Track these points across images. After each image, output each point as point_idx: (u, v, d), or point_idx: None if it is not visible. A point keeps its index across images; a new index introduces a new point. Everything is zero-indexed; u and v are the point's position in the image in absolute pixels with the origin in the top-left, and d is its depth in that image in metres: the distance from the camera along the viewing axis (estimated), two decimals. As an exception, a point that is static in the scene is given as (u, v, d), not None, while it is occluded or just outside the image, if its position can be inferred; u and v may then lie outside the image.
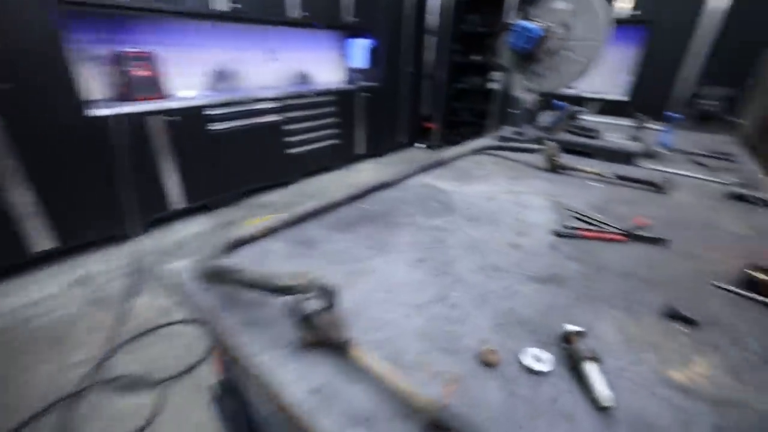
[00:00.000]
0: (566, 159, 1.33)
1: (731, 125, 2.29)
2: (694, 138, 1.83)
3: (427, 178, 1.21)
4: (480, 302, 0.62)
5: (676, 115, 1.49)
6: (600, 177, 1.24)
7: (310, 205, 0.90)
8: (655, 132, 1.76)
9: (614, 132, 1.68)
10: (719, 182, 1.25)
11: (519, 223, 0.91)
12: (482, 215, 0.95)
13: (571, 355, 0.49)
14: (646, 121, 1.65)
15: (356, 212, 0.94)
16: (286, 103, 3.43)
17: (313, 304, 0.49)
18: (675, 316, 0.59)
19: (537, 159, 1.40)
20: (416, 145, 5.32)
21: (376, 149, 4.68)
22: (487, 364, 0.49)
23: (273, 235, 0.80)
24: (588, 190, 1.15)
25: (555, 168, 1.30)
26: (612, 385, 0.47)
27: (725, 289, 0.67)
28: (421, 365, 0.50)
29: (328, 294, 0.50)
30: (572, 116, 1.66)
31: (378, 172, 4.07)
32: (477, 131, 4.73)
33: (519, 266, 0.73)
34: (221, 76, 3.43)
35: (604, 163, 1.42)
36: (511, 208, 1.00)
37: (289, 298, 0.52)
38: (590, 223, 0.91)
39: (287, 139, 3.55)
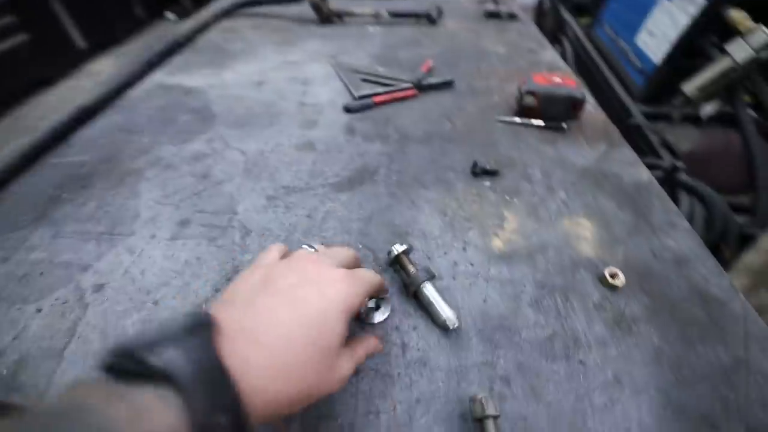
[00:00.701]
0: (334, 1, 1.08)
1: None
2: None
3: (163, 75, 0.80)
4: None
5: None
6: (375, 19, 1.07)
7: None
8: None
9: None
10: (477, 0, 1.26)
11: (303, 109, 0.70)
12: (255, 114, 0.69)
13: (407, 285, 0.40)
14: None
15: (54, 176, 0.55)
16: None
17: None
18: (480, 172, 0.56)
19: (304, 9, 1.10)
20: (167, 16, 3.88)
21: (106, 35, 3.21)
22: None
23: None
24: (368, 39, 0.98)
25: (327, 18, 1.05)
26: (452, 296, 0.41)
27: (508, 122, 0.68)
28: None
29: None
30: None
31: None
32: (233, -19, 3.74)
33: (319, 175, 0.56)
34: None
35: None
36: (289, 89, 0.76)
37: None
38: (379, 83, 0.78)
39: None
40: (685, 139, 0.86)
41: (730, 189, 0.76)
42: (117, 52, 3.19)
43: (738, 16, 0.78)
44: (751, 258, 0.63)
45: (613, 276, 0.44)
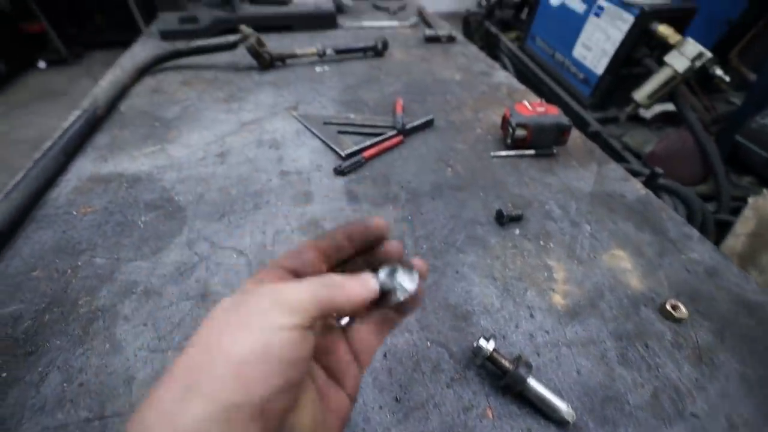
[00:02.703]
0: (270, 43, 0.99)
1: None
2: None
3: (91, 163, 0.65)
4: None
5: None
6: (320, 58, 1.01)
7: None
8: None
9: (295, -12, 1.39)
10: (409, 26, 1.26)
11: (288, 179, 0.62)
12: (233, 197, 0.59)
13: (508, 386, 0.35)
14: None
15: (-31, 353, 0.39)
16: None
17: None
18: (506, 221, 0.54)
19: (239, 56, 0.99)
20: (39, 65, 3.27)
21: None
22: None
23: None
24: (322, 82, 0.92)
25: (269, 63, 0.96)
26: (547, 377, 0.38)
27: (503, 156, 0.67)
28: None
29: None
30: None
31: (5, 153, 2.40)
32: (116, 19, 3.32)
33: (343, 262, 0.49)
34: None
35: (314, 36, 1.18)
36: (261, 157, 0.67)
37: None
38: (358, 132, 0.72)
39: None
40: (642, 140, 0.95)
41: (691, 181, 0.86)
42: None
43: (665, 30, 0.89)
44: (732, 242, 0.71)
45: (675, 308, 0.44)
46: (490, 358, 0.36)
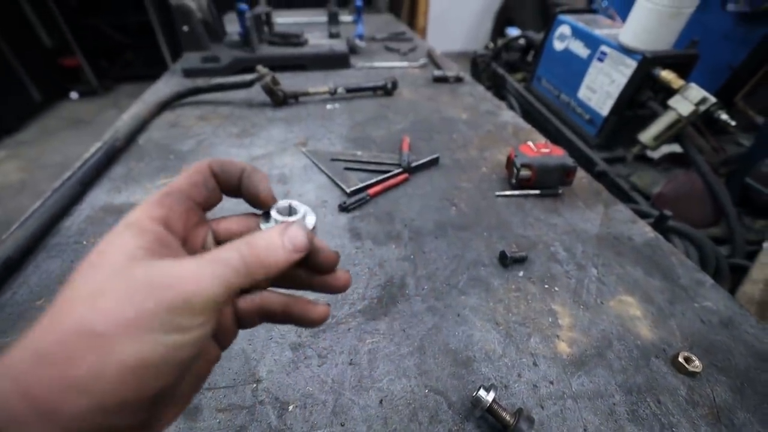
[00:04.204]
0: (284, 81, 1.05)
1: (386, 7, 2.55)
2: (369, 21, 1.90)
3: (106, 194, 0.67)
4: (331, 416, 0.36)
5: (359, 2, 1.41)
6: (332, 96, 1.05)
7: None
8: (348, 24, 1.69)
9: (313, 31, 1.48)
10: (418, 67, 1.32)
11: (295, 214, 0.63)
12: (240, 229, 0.59)
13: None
14: (339, 13, 1.51)
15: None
16: None
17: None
18: (510, 262, 0.53)
19: (254, 93, 1.05)
20: (71, 96, 3.48)
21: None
22: None
23: None
24: (332, 119, 0.95)
25: (282, 100, 1.01)
26: (547, 429, 0.36)
27: (507, 196, 0.68)
28: None
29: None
30: (267, 20, 1.31)
31: (34, 176, 2.51)
32: (145, 56, 3.54)
33: (343, 302, 0.48)
34: None
35: (327, 75, 1.23)
36: (271, 191, 0.68)
37: None
38: (363, 169, 0.73)
39: None
40: (650, 181, 0.95)
41: (701, 224, 0.84)
42: (17, 140, 2.77)
43: (668, 75, 0.91)
44: (749, 289, 0.69)
45: (688, 361, 0.42)
46: (490, 411, 0.35)
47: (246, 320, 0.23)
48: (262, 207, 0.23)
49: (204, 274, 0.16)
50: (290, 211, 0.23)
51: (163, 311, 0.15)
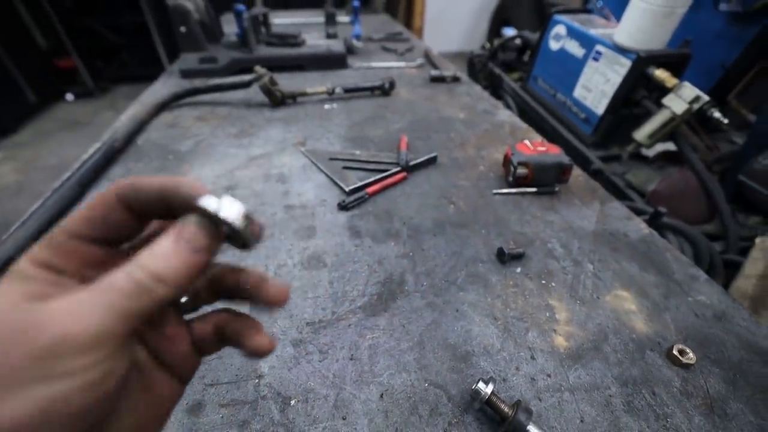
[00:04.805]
0: (282, 81, 1.05)
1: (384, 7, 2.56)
2: (366, 22, 1.90)
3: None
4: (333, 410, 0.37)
5: (356, 2, 1.42)
6: (329, 96, 1.06)
7: None
8: (345, 24, 1.69)
9: (311, 32, 1.48)
10: (416, 67, 1.33)
11: (292, 213, 0.63)
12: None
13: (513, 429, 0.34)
14: (336, 14, 1.52)
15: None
16: None
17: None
18: (508, 259, 0.54)
19: (252, 93, 1.05)
20: (67, 97, 3.46)
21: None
22: None
23: None
24: (330, 119, 0.95)
25: (280, 100, 1.01)
26: (548, 424, 0.36)
27: (504, 194, 0.68)
28: None
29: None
30: (264, 21, 1.31)
31: (30, 178, 2.50)
32: (141, 56, 3.52)
33: (343, 299, 0.49)
34: None
35: (324, 75, 1.24)
36: (268, 190, 0.69)
37: None
38: (362, 168, 0.74)
39: None
40: (645, 178, 0.97)
41: (695, 221, 0.85)
42: (14, 142, 2.75)
43: (662, 74, 0.93)
44: (742, 284, 0.70)
45: (682, 353, 0.43)
46: (489, 403, 0.35)
47: (205, 345, 0.21)
48: (183, 205, 0.17)
49: (86, 306, 0.14)
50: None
51: (34, 358, 0.12)
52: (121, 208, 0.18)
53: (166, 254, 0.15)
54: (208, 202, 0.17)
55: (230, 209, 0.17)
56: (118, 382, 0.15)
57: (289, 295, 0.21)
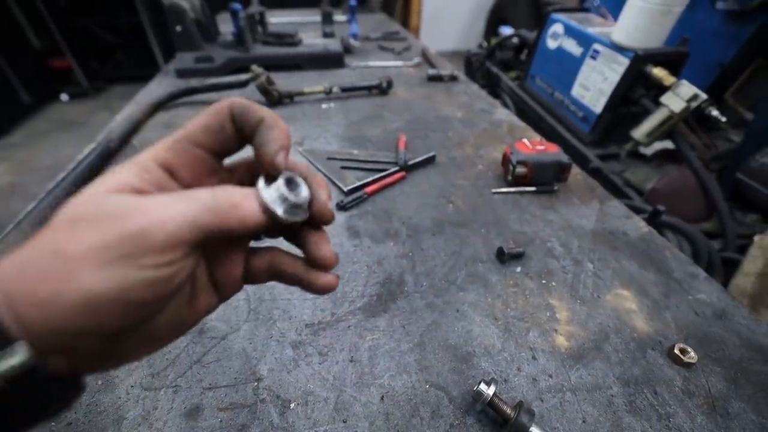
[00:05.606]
0: (279, 80, 1.04)
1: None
2: (363, 21, 1.90)
3: (100, 196, 0.67)
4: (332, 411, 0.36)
5: (353, 1, 1.42)
6: (327, 95, 1.05)
7: None
8: (342, 23, 1.68)
9: (307, 31, 1.48)
10: (413, 66, 1.32)
11: (293, 213, 0.63)
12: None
13: (511, 435, 0.34)
14: (333, 13, 1.51)
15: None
16: None
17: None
18: (508, 258, 0.53)
19: (248, 92, 1.04)
20: (62, 98, 3.42)
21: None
22: None
23: None
24: (327, 118, 0.95)
25: (278, 100, 1.00)
26: (551, 425, 0.36)
27: (504, 193, 0.68)
28: None
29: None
30: (260, 20, 1.30)
31: (24, 179, 2.48)
32: (136, 56, 3.50)
33: (343, 300, 0.48)
34: None
35: (322, 74, 1.23)
36: (268, 191, 0.68)
37: None
38: (360, 168, 0.74)
39: None
40: (644, 177, 0.97)
41: (694, 219, 0.86)
42: (8, 143, 2.72)
43: (659, 72, 0.93)
44: (741, 282, 0.70)
45: (683, 352, 0.43)
46: (491, 404, 0.35)
47: (255, 276, 0.23)
48: (266, 171, 0.20)
49: (171, 208, 0.15)
50: (293, 185, 0.20)
51: (123, 242, 0.14)
52: (230, 122, 0.20)
53: (250, 198, 0.17)
54: (284, 190, 0.19)
55: (297, 198, 0.19)
56: (178, 285, 0.16)
57: (337, 284, 0.24)
